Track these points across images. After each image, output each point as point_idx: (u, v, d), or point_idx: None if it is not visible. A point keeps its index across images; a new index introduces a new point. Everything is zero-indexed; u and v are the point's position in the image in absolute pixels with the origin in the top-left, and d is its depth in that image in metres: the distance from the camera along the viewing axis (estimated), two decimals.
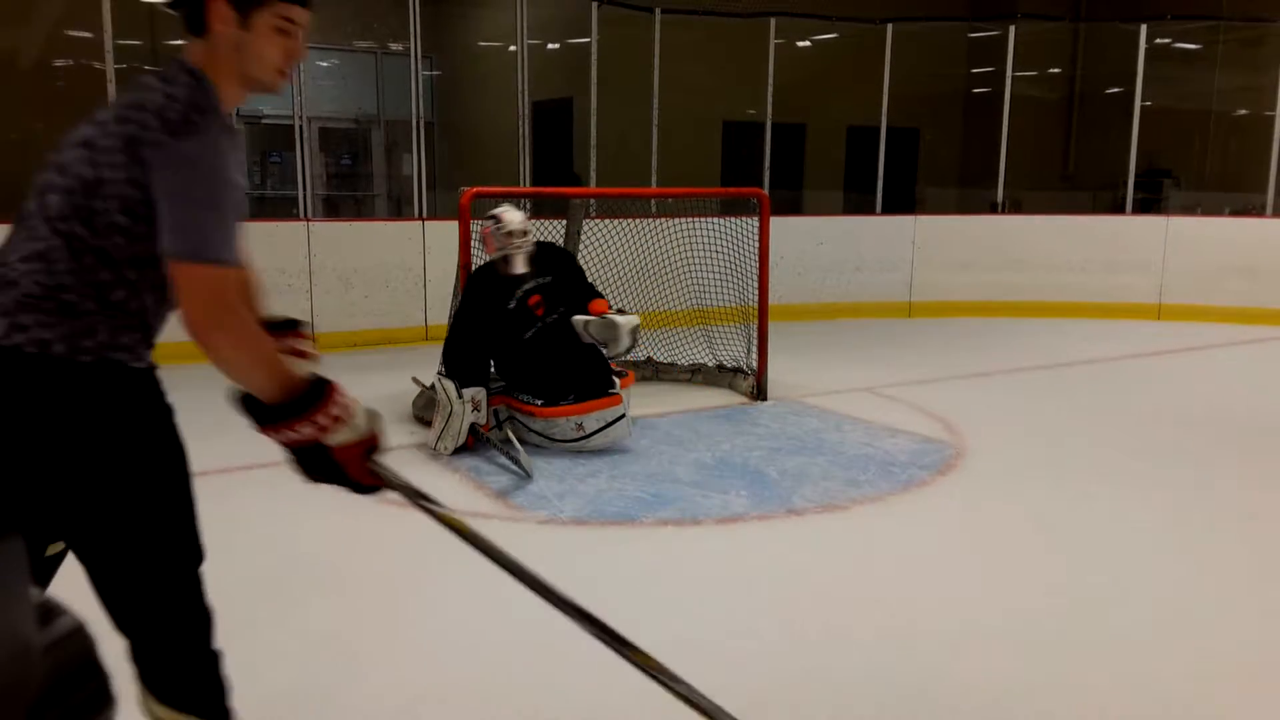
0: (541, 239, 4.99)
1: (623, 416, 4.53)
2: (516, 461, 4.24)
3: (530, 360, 4.67)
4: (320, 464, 1.72)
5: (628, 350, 4.70)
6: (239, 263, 1.65)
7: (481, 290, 4.65)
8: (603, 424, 4.50)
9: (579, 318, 4.72)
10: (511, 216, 4.60)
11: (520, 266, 4.58)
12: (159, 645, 1.72)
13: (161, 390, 1.69)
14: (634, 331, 4.67)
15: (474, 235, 4.78)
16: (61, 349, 1.54)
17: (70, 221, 1.58)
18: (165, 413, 1.69)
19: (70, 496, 1.59)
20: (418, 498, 1.86)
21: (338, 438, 1.69)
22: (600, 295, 4.97)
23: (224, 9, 1.64)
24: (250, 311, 1.80)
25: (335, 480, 1.74)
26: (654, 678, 1.83)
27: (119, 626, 1.71)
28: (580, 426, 4.49)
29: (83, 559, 1.66)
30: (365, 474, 1.75)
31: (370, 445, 1.74)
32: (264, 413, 1.68)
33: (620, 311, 4.78)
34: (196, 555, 1.74)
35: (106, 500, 1.60)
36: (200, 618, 1.75)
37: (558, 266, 4.87)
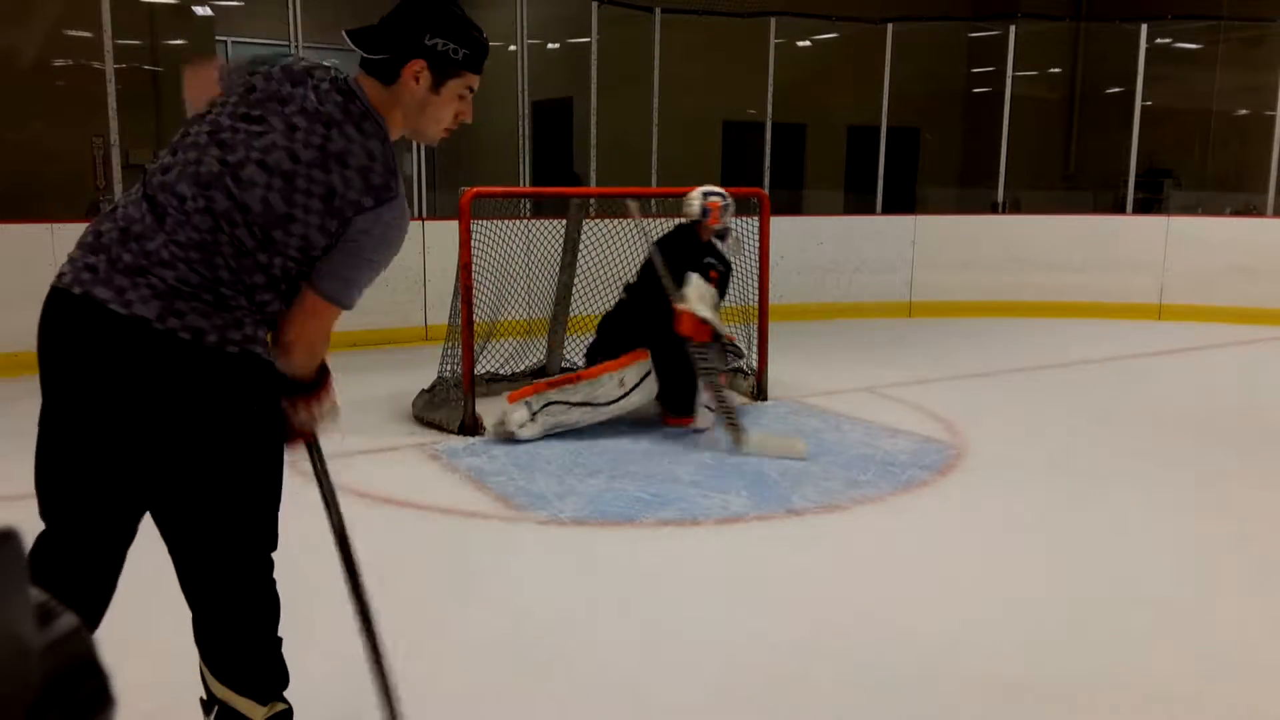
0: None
1: (650, 372, 4.71)
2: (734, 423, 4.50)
3: (662, 322, 4.70)
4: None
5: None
6: None
7: (681, 246, 4.98)
8: (641, 375, 4.69)
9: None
10: (728, 195, 5.11)
11: (730, 240, 5.14)
12: (228, 625, 1.83)
13: (279, 380, 1.85)
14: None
15: (690, 207, 5.04)
16: (214, 339, 1.67)
17: (241, 230, 1.69)
18: (279, 402, 1.86)
19: (195, 468, 1.73)
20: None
21: (301, 419, 1.96)
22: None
23: (425, 72, 1.79)
24: None
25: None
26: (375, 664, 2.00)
27: (193, 601, 1.82)
28: (621, 382, 4.68)
29: (176, 532, 1.78)
30: (294, 443, 1.97)
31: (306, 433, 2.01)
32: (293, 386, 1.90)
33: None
34: (274, 541, 1.87)
35: (226, 474, 1.75)
36: (270, 603, 1.87)
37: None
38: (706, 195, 5.03)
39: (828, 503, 3.90)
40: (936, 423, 5.13)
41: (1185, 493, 4.16)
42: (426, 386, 5.23)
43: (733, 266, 5.27)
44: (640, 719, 2.37)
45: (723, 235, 5.09)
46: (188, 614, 1.86)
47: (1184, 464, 4.60)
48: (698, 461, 4.41)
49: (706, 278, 4.86)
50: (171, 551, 1.79)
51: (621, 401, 4.69)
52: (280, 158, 1.70)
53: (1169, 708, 2.48)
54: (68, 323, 1.65)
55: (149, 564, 1.85)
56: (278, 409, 1.85)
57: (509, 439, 4.61)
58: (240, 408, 1.73)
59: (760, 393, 5.63)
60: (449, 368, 5.15)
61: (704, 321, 4.58)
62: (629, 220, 6.21)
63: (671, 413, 4.94)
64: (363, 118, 1.78)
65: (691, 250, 4.97)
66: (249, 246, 1.69)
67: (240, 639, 1.83)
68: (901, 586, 3.17)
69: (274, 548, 1.87)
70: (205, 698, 1.88)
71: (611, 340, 4.91)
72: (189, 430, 1.69)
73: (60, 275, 1.69)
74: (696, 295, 4.64)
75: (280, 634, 1.89)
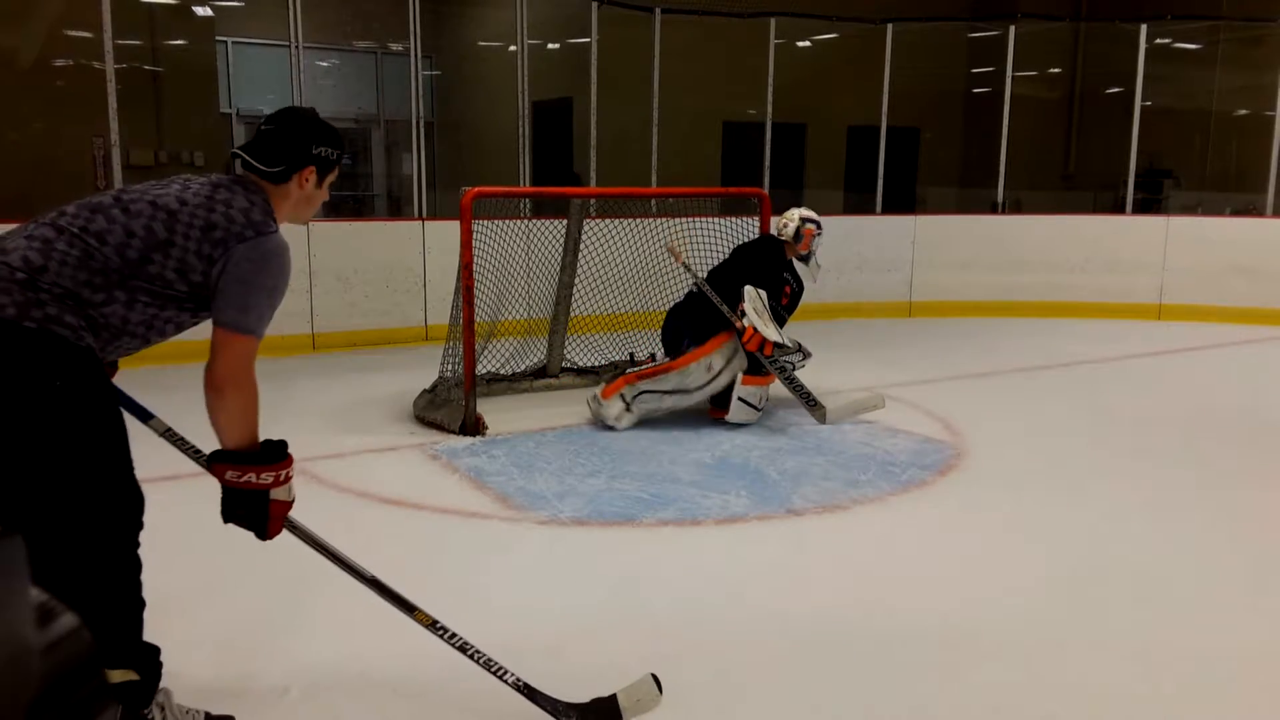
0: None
1: (737, 352, 4.90)
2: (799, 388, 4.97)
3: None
4: (247, 507, 2.06)
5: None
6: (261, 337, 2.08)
7: (770, 255, 5.22)
8: (727, 357, 4.89)
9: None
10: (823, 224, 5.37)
11: (816, 264, 5.33)
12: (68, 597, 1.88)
13: (96, 367, 1.95)
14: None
15: (785, 226, 5.29)
16: (12, 313, 1.84)
17: (105, 243, 1.95)
18: (93, 386, 1.94)
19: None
20: (321, 549, 2.22)
21: (279, 494, 2.07)
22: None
23: (313, 175, 2.21)
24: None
25: (251, 524, 2.08)
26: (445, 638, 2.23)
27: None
28: (710, 367, 4.88)
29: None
30: (279, 528, 2.11)
31: (290, 507, 2.12)
32: (235, 456, 2.03)
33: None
34: (104, 516, 1.96)
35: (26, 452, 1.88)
36: (97, 577, 1.96)
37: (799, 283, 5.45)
38: (805, 221, 5.27)
39: (828, 503, 3.90)
40: (936, 423, 5.13)
41: (1185, 492, 4.16)
42: (427, 386, 5.23)
43: (804, 289, 5.48)
44: (640, 718, 2.37)
45: (805, 259, 5.31)
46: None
47: (1184, 464, 4.60)
48: (698, 461, 4.41)
49: (779, 293, 5.17)
50: None
51: (712, 384, 4.91)
52: (172, 204, 2.02)
53: (1169, 707, 2.48)
54: None
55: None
56: (82, 390, 1.93)
57: (605, 427, 4.88)
58: (30, 383, 1.86)
59: None
60: (449, 368, 5.15)
61: (766, 337, 4.76)
62: (629, 220, 6.22)
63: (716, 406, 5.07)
64: (254, 193, 2.13)
65: (773, 263, 5.19)
66: (104, 256, 1.94)
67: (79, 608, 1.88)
68: (901, 586, 3.17)
69: (105, 522, 1.96)
70: None
71: (692, 326, 5.02)
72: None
73: None
74: (754, 312, 4.80)
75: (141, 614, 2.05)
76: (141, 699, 2.07)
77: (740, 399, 4.91)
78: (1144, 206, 10.38)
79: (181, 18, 9.68)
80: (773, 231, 5.41)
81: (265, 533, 2.09)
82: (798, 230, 5.23)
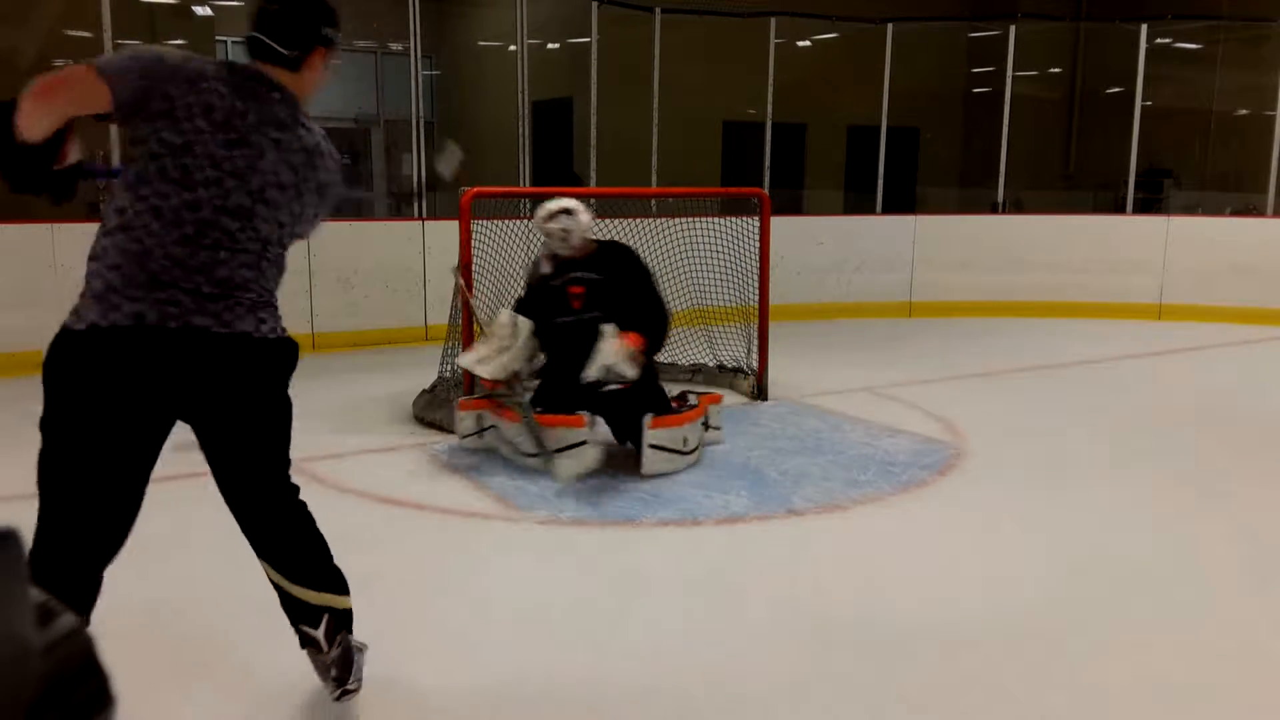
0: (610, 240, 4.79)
1: (583, 443, 4.01)
2: (533, 432, 4.06)
3: (557, 350, 4.38)
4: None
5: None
6: None
7: (538, 260, 4.59)
8: (558, 445, 4.00)
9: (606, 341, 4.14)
10: (550, 205, 4.40)
11: (545, 267, 4.47)
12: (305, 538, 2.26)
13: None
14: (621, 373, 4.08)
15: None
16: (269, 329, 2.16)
17: (277, 244, 2.18)
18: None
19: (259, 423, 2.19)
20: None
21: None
22: (643, 329, 4.25)
23: (323, 58, 2.20)
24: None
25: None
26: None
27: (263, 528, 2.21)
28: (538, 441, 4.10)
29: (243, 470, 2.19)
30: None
31: None
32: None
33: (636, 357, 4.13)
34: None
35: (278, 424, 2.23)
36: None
37: (617, 270, 4.44)
38: (543, 222, 4.40)
39: (828, 503, 3.90)
40: (936, 423, 5.13)
41: (1185, 492, 4.16)
42: (427, 386, 5.23)
43: (627, 274, 4.46)
44: (640, 718, 2.37)
45: (553, 259, 4.44)
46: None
47: (1184, 464, 4.60)
48: (698, 461, 4.40)
49: (561, 305, 4.38)
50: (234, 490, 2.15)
51: (539, 459, 4.10)
52: (284, 173, 2.10)
53: (1169, 707, 2.48)
54: (170, 352, 1.94)
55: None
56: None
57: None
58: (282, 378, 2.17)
59: (760, 393, 5.63)
60: (449, 368, 5.15)
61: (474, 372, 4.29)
62: (629, 220, 6.16)
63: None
64: (300, 112, 2.16)
65: (534, 273, 4.56)
66: (281, 251, 2.16)
67: (316, 547, 2.23)
68: (901, 586, 3.17)
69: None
70: (300, 629, 2.21)
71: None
72: (266, 394, 2.14)
73: (114, 313, 1.90)
74: (493, 343, 4.25)
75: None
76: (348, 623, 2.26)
77: (652, 445, 4.08)
78: (1144, 206, 10.38)
79: (181, 18, 9.69)
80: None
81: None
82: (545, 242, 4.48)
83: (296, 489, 2.23)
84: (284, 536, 2.19)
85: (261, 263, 2.08)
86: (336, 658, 2.21)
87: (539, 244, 4.72)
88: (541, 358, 4.43)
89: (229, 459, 2.14)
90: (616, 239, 6.04)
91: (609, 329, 4.12)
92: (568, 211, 4.36)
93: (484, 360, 4.23)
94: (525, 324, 4.28)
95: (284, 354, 2.14)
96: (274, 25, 2.13)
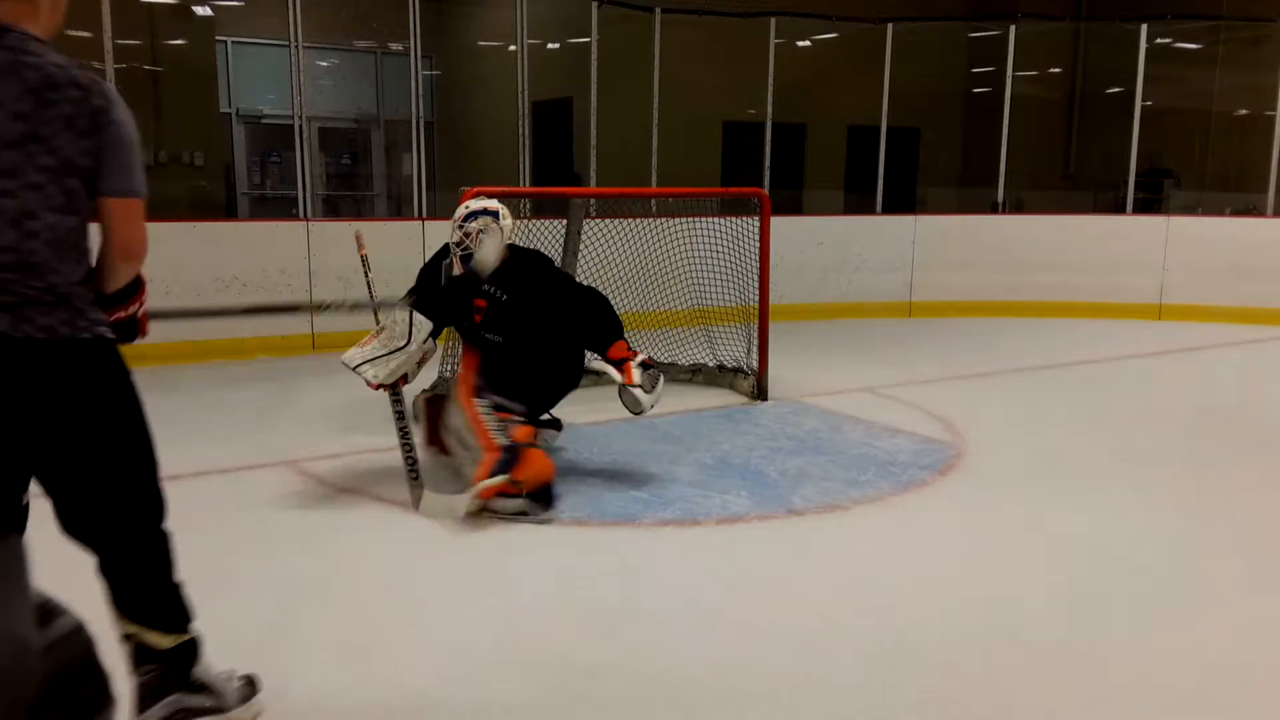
0: (524, 245, 4.49)
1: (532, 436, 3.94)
2: (406, 439, 3.78)
3: (476, 348, 4.20)
4: (129, 332, 2.04)
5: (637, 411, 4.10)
6: None
7: (439, 255, 4.25)
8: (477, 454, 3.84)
9: (595, 364, 4.17)
10: (472, 203, 4.11)
11: (455, 267, 4.05)
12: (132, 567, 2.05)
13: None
14: (655, 398, 4.07)
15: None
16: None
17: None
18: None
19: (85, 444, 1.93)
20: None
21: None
22: (619, 336, 4.13)
23: None
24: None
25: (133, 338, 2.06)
26: None
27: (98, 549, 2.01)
28: (463, 443, 3.98)
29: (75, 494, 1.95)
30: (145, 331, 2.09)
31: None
32: (124, 293, 1.98)
33: (646, 368, 4.06)
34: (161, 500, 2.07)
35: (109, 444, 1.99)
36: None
37: (526, 288, 4.08)
38: (457, 226, 4.08)
39: (828, 503, 3.90)
40: (936, 423, 5.13)
41: (1185, 492, 4.16)
42: (426, 386, 5.22)
43: (534, 290, 4.13)
44: (640, 718, 2.37)
45: (466, 261, 4.03)
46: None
47: (1184, 464, 4.60)
48: (698, 462, 4.40)
49: (464, 314, 4.14)
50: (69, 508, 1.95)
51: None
52: (8, 127, 1.75)
53: (1169, 708, 2.48)
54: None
55: None
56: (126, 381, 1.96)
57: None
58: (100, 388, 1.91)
59: (760, 393, 5.63)
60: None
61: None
62: (629, 220, 6.15)
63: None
64: (15, 45, 1.78)
65: (434, 283, 4.22)
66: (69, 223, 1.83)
67: (143, 579, 2.05)
68: (901, 586, 3.17)
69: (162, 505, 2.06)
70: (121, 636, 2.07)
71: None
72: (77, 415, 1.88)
73: None
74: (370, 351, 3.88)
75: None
76: (193, 659, 2.14)
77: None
78: (1144, 206, 10.37)
79: (181, 18, 9.68)
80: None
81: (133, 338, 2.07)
82: (458, 242, 4.05)
83: (153, 518, 2.04)
84: (119, 572, 2.01)
85: (31, 242, 1.75)
86: (136, 684, 2.06)
87: (545, 245, 4.57)
88: (434, 349, 4.02)
89: (54, 489, 1.91)
90: (615, 239, 6.04)
91: (608, 369, 4.03)
92: (491, 214, 4.05)
93: (372, 362, 3.82)
94: (423, 327, 3.88)
95: (84, 358, 1.83)
96: None
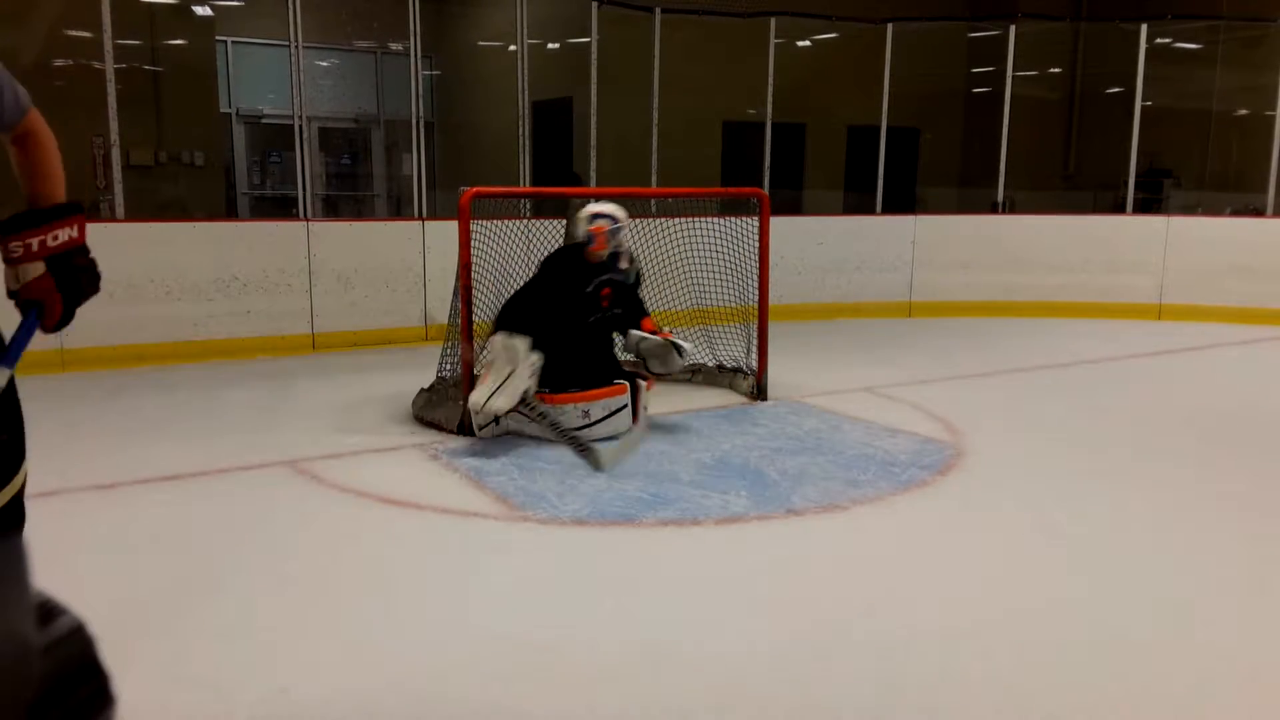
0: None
1: (625, 406, 4.74)
2: (578, 444, 4.12)
3: (572, 347, 4.77)
4: (70, 276, 1.77)
5: (674, 371, 5.09)
6: None
7: (565, 269, 4.86)
8: (607, 412, 4.70)
9: (635, 333, 5.00)
10: (620, 215, 4.89)
11: (624, 263, 4.94)
12: None
13: None
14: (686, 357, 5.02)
15: (579, 227, 4.89)
16: None
17: None
18: None
19: None
20: None
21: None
22: (648, 313, 5.18)
23: None
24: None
25: (82, 293, 1.79)
26: None
27: None
28: (586, 414, 4.66)
29: None
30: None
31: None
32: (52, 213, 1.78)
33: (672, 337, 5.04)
34: None
35: None
36: None
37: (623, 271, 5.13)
38: (593, 219, 4.82)
39: (828, 503, 3.90)
40: (936, 423, 5.13)
41: (1185, 492, 4.16)
42: (426, 386, 5.23)
43: (636, 281, 5.14)
44: (640, 718, 2.37)
45: (613, 262, 4.88)
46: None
47: (1184, 464, 4.60)
48: (698, 462, 4.41)
49: (593, 305, 4.85)
50: None
51: (586, 430, 4.54)
52: None
53: (1170, 708, 2.48)
54: None
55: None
56: None
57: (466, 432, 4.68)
58: None
59: (760, 393, 5.63)
60: (449, 367, 5.15)
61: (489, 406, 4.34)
62: (629, 220, 6.18)
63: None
64: None
65: (572, 274, 4.83)
66: None
67: None
68: (901, 586, 3.17)
69: None
70: None
71: (585, 359, 4.85)
72: None
73: None
74: (497, 363, 4.40)
75: None
76: None
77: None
78: (1144, 206, 10.38)
79: (181, 18, 9.68)
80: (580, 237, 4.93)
81: (80, 297, 1.80)
82: (588, 232, 4.81)
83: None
84: None
85: None
86: None
87: (544, 245, 5.07)
88: (540, 359, 4.49)
89: None
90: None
91: (648, 337, 4.96)
92: (614, 219, 4.85)
93: (496, 394, 4.31)
94: (523, 342, 4.39)
95: None
96: None
